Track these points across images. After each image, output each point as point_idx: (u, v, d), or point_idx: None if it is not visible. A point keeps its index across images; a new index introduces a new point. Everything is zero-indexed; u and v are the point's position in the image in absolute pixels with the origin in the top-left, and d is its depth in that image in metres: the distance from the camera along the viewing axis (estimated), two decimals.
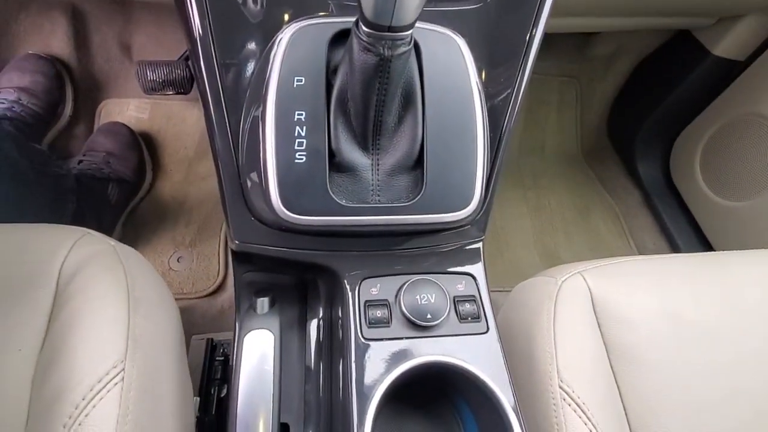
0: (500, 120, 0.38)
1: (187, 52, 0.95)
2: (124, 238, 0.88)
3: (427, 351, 0.33)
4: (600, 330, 0.40)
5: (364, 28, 0.25)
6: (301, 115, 0.32)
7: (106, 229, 0.84)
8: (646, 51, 1.08)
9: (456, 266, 0.38)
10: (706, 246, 1.01)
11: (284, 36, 0.32)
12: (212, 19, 0.34)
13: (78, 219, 0.72)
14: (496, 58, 0.38)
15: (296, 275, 0.46)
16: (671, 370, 0.39)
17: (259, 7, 0.35)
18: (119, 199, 0.86)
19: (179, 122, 1.07)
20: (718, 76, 0.95)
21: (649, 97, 1.08)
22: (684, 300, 0.42)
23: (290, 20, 0.34)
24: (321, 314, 0.45)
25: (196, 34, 0.34)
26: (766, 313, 0.42)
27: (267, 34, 0.35)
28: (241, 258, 0.43)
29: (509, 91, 0.38)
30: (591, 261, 0.48)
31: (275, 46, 0.33)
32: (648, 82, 1.10)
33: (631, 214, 1.17)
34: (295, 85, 0.32)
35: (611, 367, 0.39)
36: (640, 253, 1.10)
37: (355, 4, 0.25)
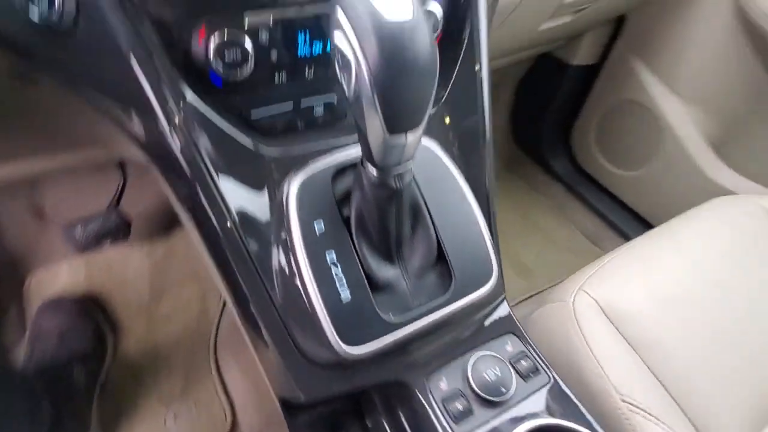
0: (481, 190, 0.44)
1: (115, 198, 0.89)
2: (103, 419, 0.78)
3: (520, 420, 0.35)
4: (619, 332, 0.46)
5: (374, 170, 0.29)
6: (332, 254, 0.34)
7: (83, 421, 0.73)
8: (520, 75, 1.29)
9: (497, 330, 0.41)
10: (631, 212, 1.18)
11: (291, 192, 0.35)
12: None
13: (56, 424, 0.63)
14: (461, 144, 0.44)
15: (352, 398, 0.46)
16: (683, 338, 0.47)
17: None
18: (88, 379, 0.77)
19: (122, 270, 1.00)
20: (584, 79, 1.16)
21: (538, 107, 1.27)
22: (665, 278, 0.51)
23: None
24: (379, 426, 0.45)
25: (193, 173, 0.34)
26: (728, 263, 0.53)
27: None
28: (296, 407, 0.42)
29: (478, 168, 0.45)
30: (577, 272, 0.56)
31: (285, 204, 0.35)
32: (531, 98, 1.30)
33: (562, 205, 1.32)
34: (318, 233, 0.34)
35: (643, 361, 0.45)
36: (586, 237, 1.25)
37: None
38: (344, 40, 0.24)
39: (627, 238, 1.14)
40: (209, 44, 0.32)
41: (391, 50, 0.22)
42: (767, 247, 0.55)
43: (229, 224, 0.34)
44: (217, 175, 0.34)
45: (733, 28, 0.85)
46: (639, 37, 1.01)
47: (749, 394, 0.45)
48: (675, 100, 0.97)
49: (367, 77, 0.23)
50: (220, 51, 0.32)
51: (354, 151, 0.37)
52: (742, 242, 0.56)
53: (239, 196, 0.35)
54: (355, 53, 0.23)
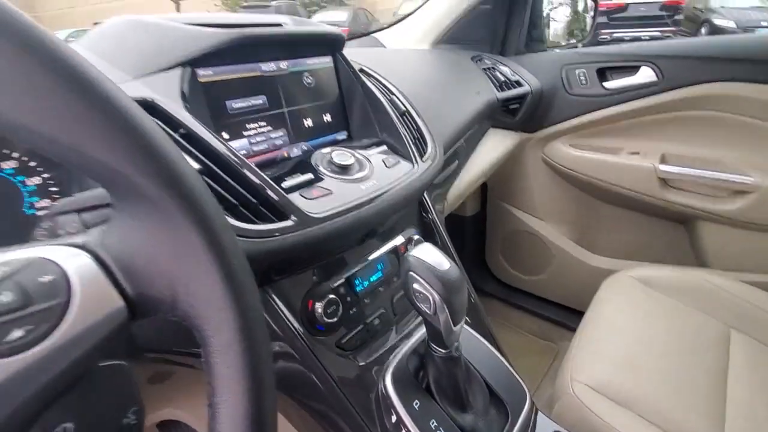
0: (484, 328, 0.63)
1: None
2: None
3: None
4: (620, 405, 0.66)
5: (442, 349, 0.47)
6: (434, 422, 0.48)
7: None
8: None
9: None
10: (558, 305, 1.48)
11: (388, 386, 0.49)
12: None
13: None
14: None
15: None
16: (657, 381, 0.68)
17: None
18: None
19: None
20: (479, 221, 1.56)
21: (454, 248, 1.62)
22: (621, 348, 0.74)
23: None
24: None
25: None
26: (652, 321, 0.79)
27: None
28: None
29: (475, 311, 0.65)
30: (559, 368, 0.75)
31: (387, 395, 0.49)
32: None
33: (505, 316, 1.58)
34: (417, 409, 0.48)
35: (640, 416, 0.63)
36: (535, 336, 1.49)
37: None
38: (420, 285, 0.44)
39: (566, 326, 1.41)
40: (316, 309, 0.49)
41: (448, 284, 0.43)
42: (658, 304, 0.84)
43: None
44: (341, 386, 0.47)
45: (549, 173, 1.33)
46: (499, 188, 1.47)
47: (707, 403, 0.66)
48: (540, 222, 1.39)
49: (438, 300, 0.43)
50: (324, 312, 0.50)
51: (410, 342, 0.54)
52: (651, 305, 0.84)
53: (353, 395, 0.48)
54: (428, 291, 0.43)
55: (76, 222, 0.27)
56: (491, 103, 1.06)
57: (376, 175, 0.54)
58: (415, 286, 0.44)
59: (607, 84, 1.14)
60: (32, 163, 0.43)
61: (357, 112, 0.66)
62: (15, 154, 0.42)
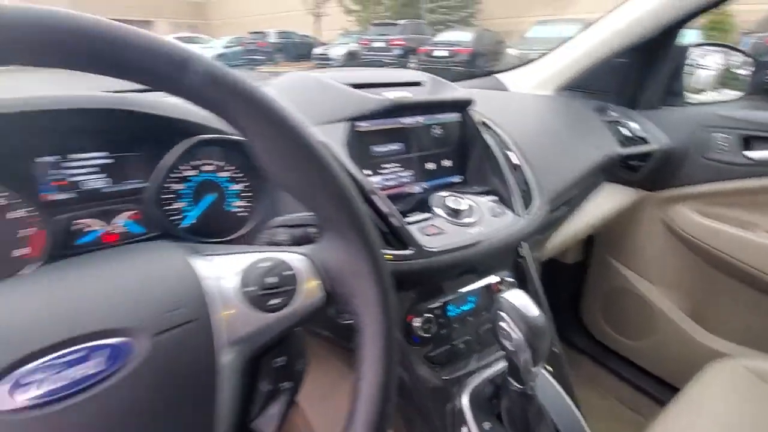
0: (562, 377, 0.67)
1: None
2: None
3: None
4: None
5: (518, 384, 0.53)
6: None
7: None
8: None
9: None
10: (653, 377, 1.36)
11: (464, 403, 0.58)
12: None
13: None
14: None
15: None
16: None
17: None
18: None
19: None
20: (579, 272, 1.51)
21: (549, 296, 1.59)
22: None
23: None
24: None
25: None
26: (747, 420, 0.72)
27: None
28: None
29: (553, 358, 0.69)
30: None
31: (461, 411, 0.57)
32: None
33: (592, 377, 1.49)
34: (487, 429, 0.55)
35: None
36: (623, 404, 1.39)
37: None
38: (507, 324, 0.51)
39: (657, 400, 1.29)
40: (414, 323, 0.60)
41: (532, 328, 0.50)
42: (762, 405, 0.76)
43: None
44: (425, 391, 0.57)
45: (667, 236, 1.25)
46: (607, 242, 1.41)
47: None
48: (649, 285, 1.30)
49: (521, 340, 0.50)
50: (421, 326, 0.60)
51: (490, 370, 0.62)
52: (760, 402, 0.77)
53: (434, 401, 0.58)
54: (513, 330, 0.51)
55: (287, 234, 0.42)
56: (611, 157, 1.05)
57: (483, 222, 0.63)
58: (502, 324, 0.52)
59: (751, 153, 1.04)
60: (239, 174, 0.62)
61: (474, 160, 0.76)
62: (217, 163, 0.61)
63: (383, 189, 0.67)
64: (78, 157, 0.52)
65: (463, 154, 0.76)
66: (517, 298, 0.51)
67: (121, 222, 0.55)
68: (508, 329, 0.51)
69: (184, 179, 0.58)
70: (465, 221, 0.63)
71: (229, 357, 0.28)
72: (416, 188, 0.71)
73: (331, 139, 0.58)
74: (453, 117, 0.74)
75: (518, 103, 1.11)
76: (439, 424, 0.57)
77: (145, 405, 0.25)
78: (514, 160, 0.75)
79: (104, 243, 0.54)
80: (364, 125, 0.64)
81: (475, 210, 0.65)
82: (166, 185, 0.56)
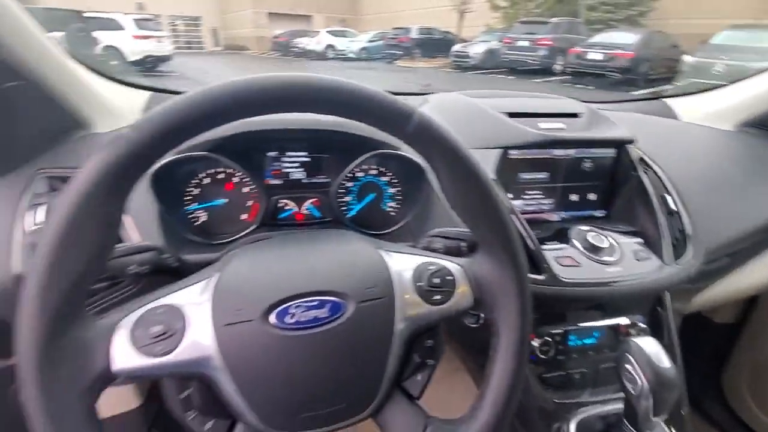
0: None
1: None
2: None
3: None
4: None
5: (632, 428, 0.53)
6: None
7: None
8: None
9: None
10: None
11: (571, 429, 0.60)
12: None
13: None
14: None
15: None
16: None
17: None
18: None
19: None
20: (728, 334, 1.31)
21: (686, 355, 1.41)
22: None
23: None
24: None
25: None
26: None
27: None
28: None
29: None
30: None
31: None
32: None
33: None
34: None
35: None
36: None
37: None
38: (633, 368, 0.52)
39: None
40: (533, 342, 0.64)
41: (660, 378, 0.50)
42: None
43: None
44: (535, 408, 0.62)
45: None
46: None
47: None
48: None
49: (646, 387, 0.50)
50: (539, 347, 0.64)
51: (603, 408, 0.62)
52: None
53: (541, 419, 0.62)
54: (639, 375, 0.51)
55: (442, 244, 0.51)
56: None
57: (623, 263, 0.63)
58: (628, 366, 0.53)
59: None
60: (395, 180, 0.74)
61: (623, 197, 0.74)
62: (379, 169, 0.72)
63: (522, 213, 0.71)
64: (290, 155, 0.70)
65: (611, 189, 0.75)
66: (649, 345, 0.51)
67: (308, 206, 0.72)
68: (633, 373, 0.52)
69: (355, 179, 0.72)
70: (604, 259, 0.64)
71: (401, 328, 0.38)
72: (554, 217, 0.73)
73: (483, 163, 0.65)
74: (607, 152, 0.74)
75: (689, 136, 1.01)
76: None
77: (348, 348, 0.36)
78: (671, 204, 0.71)
79: (296, 220, 0.72)
80: (515, 153, 0.69)
81: (615, 249, 0.65)
82: (342, 182, 0.71)
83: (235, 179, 0.68)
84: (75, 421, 0.30)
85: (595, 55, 9.60)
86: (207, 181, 0.67)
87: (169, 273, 0.47)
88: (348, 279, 0.38)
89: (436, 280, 0.41)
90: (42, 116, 0.63)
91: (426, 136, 0.37)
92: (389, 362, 0.38)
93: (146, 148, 0.31)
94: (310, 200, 0.72)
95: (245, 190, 0.68)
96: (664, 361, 0.50)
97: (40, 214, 0.54)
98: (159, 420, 0.97)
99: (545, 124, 0.71)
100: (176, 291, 0.37)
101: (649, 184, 0.72)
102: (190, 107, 0.30)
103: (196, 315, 0.35)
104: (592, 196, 0.75)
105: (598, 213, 0.76)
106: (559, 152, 0.71)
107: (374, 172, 0.73)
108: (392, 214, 0.75)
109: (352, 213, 0.74)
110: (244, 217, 0.69)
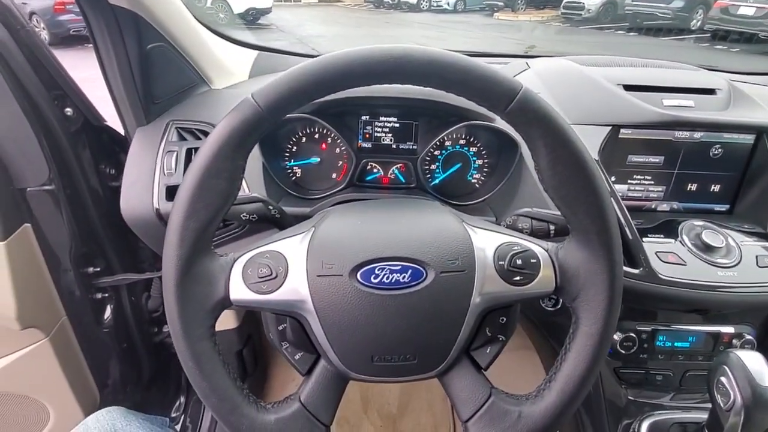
0: None
1: None
2: None
3: None
4: None
5: None
6: None
7: None
8: None
9: None
10: None
11: (642, 429, 0.58)
12: None
13: None
14: None
15: None
16: None
17: None
18: None
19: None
20: None
21: None
22: None
23: None
24: None
25: None
26: None
27: None
28: None
29: None
30: None
31: None
32: None
33: None
34: None
35: None
36: None
37: None
38: (729, 381, 0.47)
39: None
40: (615, 335, 0.61)
41: (758, 397, 0.44)
42: None
43: None
44: (606, 402, 0.60)
45: None
46: None
47: None
48: None
49: (740, 403, 0.45)
50: (620, 341, 0.61)
51: (684, 415, 0.58)
52: None
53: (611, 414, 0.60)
54: (734, 390, 0.46)
55: (528, 224, 0.49)
56: None
57: (741, 268, 0.55)
58: (723, 379, 0.48)
59: None
60: (483, 152, 0.72)
61: (755, 192, 0.64)
62: (468, 139, 0.70)
63: (625, 199, 0.65)
64: (382, 120, 0.71)
65: (741, 181, 0.65)
66: (753, 360, 0.46)
67: (394, 171, 0.74)
68: (728, 387, 0.47)
69: (443, 147, 0.72)
70: (717, 260, 0.56)
71: (477, 302, 0.39)
72: (664, 206, 0.66)
73: (587, 140, 0.60)
74: (744, 139, 0.63)
75: None
76: None
77: (424, 313, 0.38)
78: None
79: (381, 183, 0.74)
80: (627, 132, 0.62)
81: (734, 251, 0.57)
82: (430, 150, 0.71)
83: (329, 140, 0.71)
84: (200, 333, 0.37)
85: (747, 10, 7.74)
86: (304, 140, 0.72)
87: (271, 221, 0.53)
88: (431, 250, 0.40)
89: (519, 262, 0.40)
90: (174, 73, 0.72)
91: (529, 115, 0.35)
92: (461, 331, 0.40)
93: (267, 113, 0.36)
94: (397, 165, 0.74)
95: (337, 150, 0.72)
96: (766, 379, 0.44)
97: (172, 160, 0.63)
98: (249, 342, 1.13)
99: (670, 101, 0.62)
100: (281, 240, 0.42)
101: None
102: (307, 77, 0.34)
103: (295, 263, 0.40)
104: (715, 188, 0.65)
105: (720, 207, 0.66)
106: (682, 134, 0.62)
107: (462, 142, 0.71)
108: (477, 186, 0.74)
109: (436, 182, 0.74)
110: (334, 176, 0.74)
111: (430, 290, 0.39)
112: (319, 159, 0.73)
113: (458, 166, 0.73)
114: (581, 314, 0.39)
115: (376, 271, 0.39)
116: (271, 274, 0.39)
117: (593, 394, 0.60)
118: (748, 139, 0.63)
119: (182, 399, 1.17)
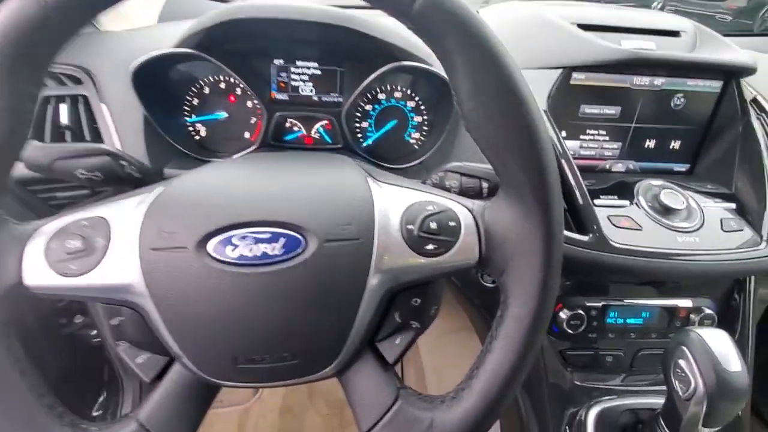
0: None
1: None
2: None
3: None
4: None
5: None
6: None
7: None
8: None
9: None
10: None
11: (590, 417, 0.51)
12: None
13: None
14: None
15: None
16: None
17: None
18: None
19: None
20: None
21: None
22: None
23: None
24: None
25: None
26: None
27: None
28: None
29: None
30: None
31: (584, 423, 0.51)
32: None
33: None
34: None
35: None
36: None
37: None
38: (688, 366, 0.40)
39: None
40: (561, 314, 0.53)
41: (723, 386, 0.38)
42: None
43: None
44: (548, 388, 0.53)
45: None
46: None
47: None
48: None
49: (701, 393, 0.39)
50: (567, 319, 0.53)
51: (635, 400, 0.52)
52: None
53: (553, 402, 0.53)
54: (695, 377, 0.40)
55: (457, 181, 0.40)
56: None
57: (703, 233, 0.48)
58: (681, 362, 0.41)
59: None
60: (423, 107, 0.61)
61: (719, 148, 0.57)
62: (405, 92, 0.60)
63: (576, 158, 0.57)
64: (298, 65, 0.59)
65: (704, 136, 0.57)
66: (718, 341, 0.39)
67: (318, 129, 0.62)
68: (688, 372, 0.40)
69: (375, 101, 0.61)
70: (677, 225, 0.49)
71: (376, 281, 0.30)
72: (620, 166, 0.58)
73: (534, 87, 0.51)
74: (710, 86, 0.55)
75: None
76: (551, 425, 0.53)
77: (304, 295, 0.29)
78: None
79: (304, 143, 0.63)
80: (580, 77, 0.53)
81: (695, 214, 0.50)
82: (359, 104, 0.60)
83: (238, 91, 0.59)
84: None
85: None
86: (207, 90, 0.59)
87: (127, 182, 0.40)
88: (314, 211, 0.30)
89: (433, 225, 0.31)
90: None
91: (441, 18, 0.25)
92: (357, 318, 0.30)
93: (55, 10, 0.23)
94: (321, 123, 0.62)
95: (248, 104, 0.60)
96: (734, 364, 0.38)
97: None
98: None
99: (629, 42, 0.53)
100: (110, 203, 0.31)
101: (762, 133, 0.53)
102: None
103: (122, 233, 0.29)
104: (675, 144, 0.58)
105: (680, 166, 0.59)
106: (641, 80, 0.54)
107: (398, 95, 0.61)
108: (416, 147, 0.64)
109: (368, 142, 0.63)
110: (247, 134, 0.62)
111: (310, 265, 0.29)
112: (226, 114, 0.60)
113: (393, 122, 0.62)
114: (510, 292, 0.30)
115: (234, 241, 0.28)
116: (83, 249, 0.28)
117: (535, 379, 0.53)
118: (715, 86, 0.55)
119: (104, 396, 1.04)
